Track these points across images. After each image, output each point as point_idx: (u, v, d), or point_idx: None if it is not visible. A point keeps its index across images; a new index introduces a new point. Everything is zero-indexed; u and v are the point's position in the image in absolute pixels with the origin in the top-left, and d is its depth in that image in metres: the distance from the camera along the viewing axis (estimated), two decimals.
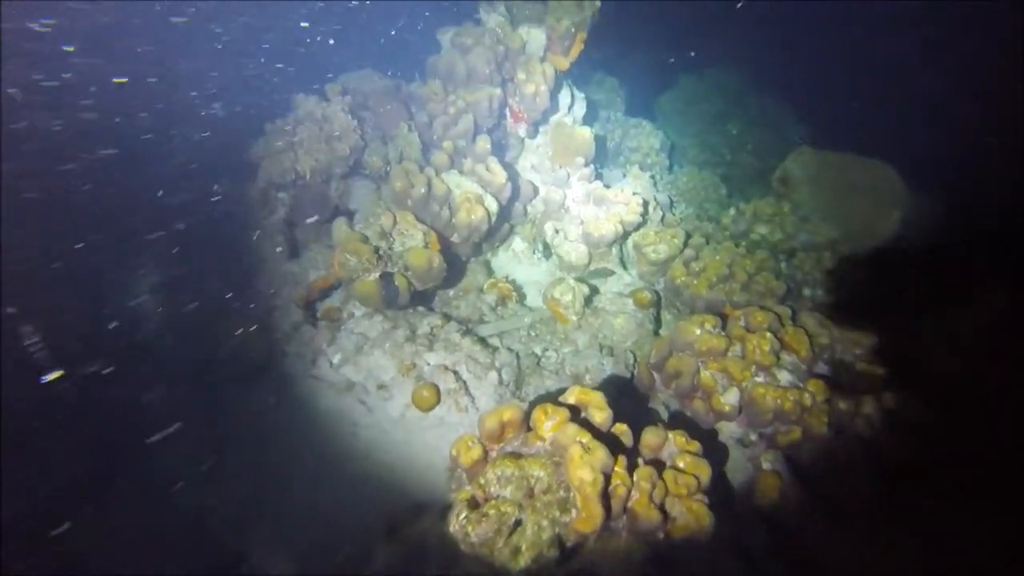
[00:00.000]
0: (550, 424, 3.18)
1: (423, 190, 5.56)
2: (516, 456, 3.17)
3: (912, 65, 8.93)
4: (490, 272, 6.69)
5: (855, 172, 7.46)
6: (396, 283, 5.08)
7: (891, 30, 9.56)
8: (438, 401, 4.90)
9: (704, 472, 3.34)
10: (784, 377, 4.40)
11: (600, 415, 3.37)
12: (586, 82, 9.57)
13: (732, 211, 7.43)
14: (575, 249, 6.66)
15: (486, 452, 3.32)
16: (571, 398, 3.48)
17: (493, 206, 5.94)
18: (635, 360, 5.48)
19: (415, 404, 4.86)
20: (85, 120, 5.36)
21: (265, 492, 4.73)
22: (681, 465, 3.39)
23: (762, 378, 4.34)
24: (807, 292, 6.70)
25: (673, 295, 6.37)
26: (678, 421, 4.66)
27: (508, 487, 3.02)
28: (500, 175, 6.07)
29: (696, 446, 3.50)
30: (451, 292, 6.25)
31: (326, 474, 4.70)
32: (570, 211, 7.11)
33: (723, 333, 4.58)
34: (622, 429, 3.46)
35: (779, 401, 4.16)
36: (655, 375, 4.85)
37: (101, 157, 5.44)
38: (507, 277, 6.59)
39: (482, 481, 3.10)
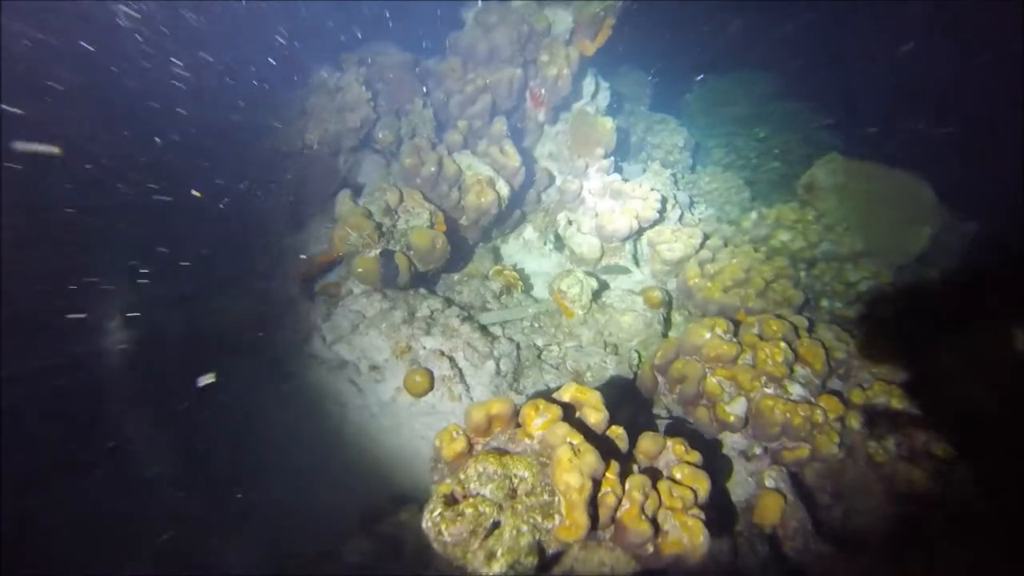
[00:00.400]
0: (540, 421, 2.93)
1: (433, 168, 5.32)
2: (501, 453, 2.92)
3: (957, 76, 8.56)
4: (498, 259, 6.44)
5: (886, 184, 7.13)
6: (396, 262, 4.84)
7: (931, 36, 9.18)
8: (431, 387, 4.67)
9: (703, 485, 3.08)
10: (796, 390, 4.12)
11: (595, 416, 3.11)
12: (612, 73, 9.27)
13: (753, 215, 7.12)
14: (587, 242, 6.40)
15: (471, 445, 3.07)
16: (566, 396, 3.22)
17: (505, 191, 5.69)
18: (640, 360, 5.21)
19: (407, 389, 4.64)
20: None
21: (243, 480, 4.49)
22: (679, 476, 3.12)
23: (772, 390, 4.06)
24: (825, 304, 6.41)
25: (685, 296, 6.09)
26: (680, 429, 4.40)
27: (489, 485, 2.77)
28: (515, 159, 5.81)
29: (696, 456, 3.23)
30: (455, 276, 6.01)
31: (308, 460, 4.48)
32: (585, 202, 6.84)
33: (734, 339, 4.30)
34: (617, 432, 3.20)
35: (788, 415, 3.89)
36: (659, 378, 4.58)
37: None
38: (515, 265, 6.34)
39: (462, 476, 2.85)
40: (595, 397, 3.19)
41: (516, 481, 2.79)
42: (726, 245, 6.44)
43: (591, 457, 2.74)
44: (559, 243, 6.67)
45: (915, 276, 6.62)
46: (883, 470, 3.90)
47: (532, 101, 6.58)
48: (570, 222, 6.83)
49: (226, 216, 5.56)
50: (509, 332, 5.59)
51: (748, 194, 8.90)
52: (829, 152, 7.97)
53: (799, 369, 4.29)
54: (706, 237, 6.43)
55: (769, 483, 3.98)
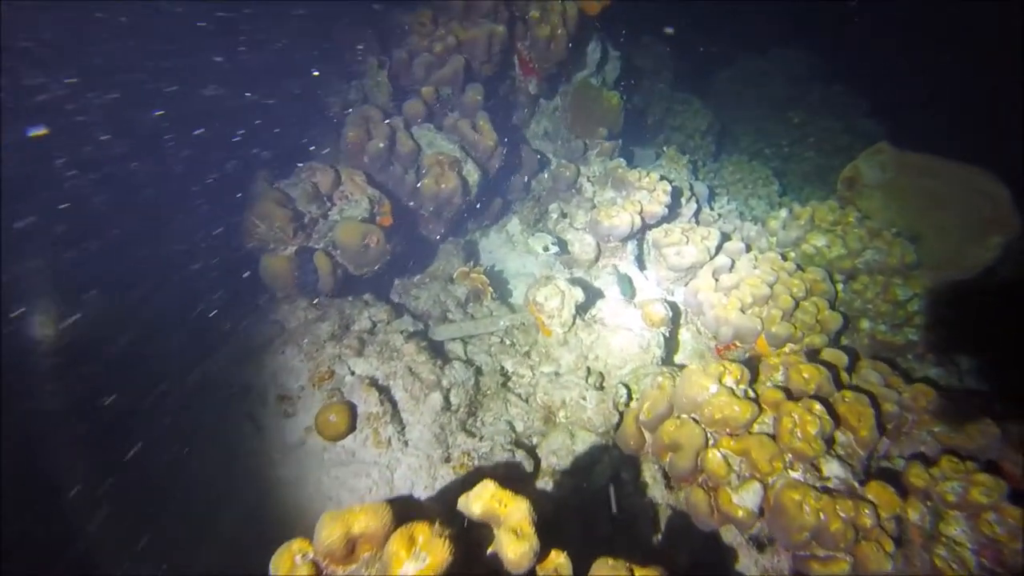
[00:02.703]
0: (413, 570, 1.70)
1: (382, 145, 4.07)
2: None
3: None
4: (471, 257, 5.18)
5: (946, 181, 5.67)
6: (316, 263, 3.62)
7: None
8: (350, 428, 3.46)
9: None
10: (833, 470, 2.81)
11: (516, 548, 1.87)
12: (631, 43, 7.82)
13: (783, 213, 5.72)
14: (579, 240, 5.12)
15: None
16: (476, 506, 1.98)
17: (474, 175, 4.42)
18: (628, 397, 3.92)
19: (317, 430, 3.44)
20: None
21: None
22: None
23: (800, 474, 2.76)
24: (866, 326, 5.08)
25: (694, 312, 4.79)
26: (671, 520, 3.13)
27: None
28: (489, 137, 4.53)
29: None
30: (415, 278, 4.77)
31: (166, 530, 3.26)
32: (582, 192, 5.54)
33: (749, 393, 3.00)
34: (557, 562, 1.96)
35: (823, 516, 2.59)
36: (646, 435, 3.32)
37: None
38: (492, 267, 5.08)
39: None
40: (520, 512, 1.94)
41: None
42: (748, 249, 5.10)
43: None
44: (547, 241, 5.33)
45: (979, 295, 5.19)
46: None
47: (522, 68, 5.26)
48: (564, 214, 5.54)
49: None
50: (473, 351, 4.36)
51: (777, 187, 7.55)
52: (873, 142, 6.52)
53: (838, 435, 2.99)
54: (724, 239, 5.08)
55: None
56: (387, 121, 4.24)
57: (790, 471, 2.74)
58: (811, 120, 8.97)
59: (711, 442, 2.89)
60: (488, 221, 5.42)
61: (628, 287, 5.13)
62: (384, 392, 3.62)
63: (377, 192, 4.01)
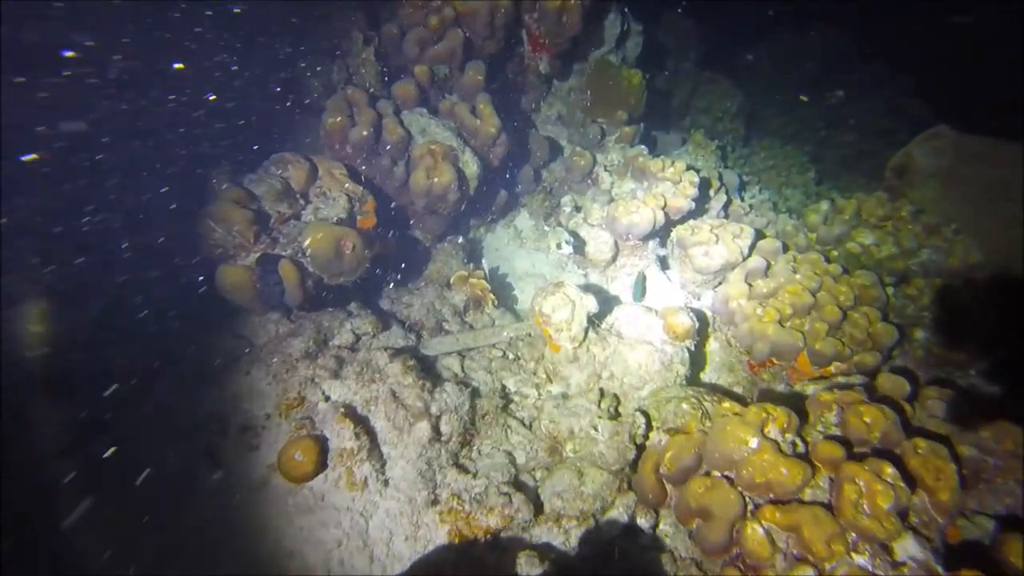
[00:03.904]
0: None
1: (366, 132, 3.44)
2: None
3: None
4: (473, 257, 4.56)
5: (1014, 169, 4.90)
6: (281, 273, 3.02)
7: None
8: (319, 467, 2.89)
9: None
10: (908, 552, 2.15)
11: None
12: (653, 20, 7.03)
13: (824, 206, 4.98)
14: (595, 238, 4.48)
15: None
16: None
17: (472, 167, 3.78)
18: (647, 427, 3.28)
19: (280, 470, 2.87)
20: None
21: None
22: None
23: (867, 559, 2.10)
24: (921, 337, 4.37)
25: (724, 321, 4.14)
26: None
27: None
28: (491, 122, 3.89)
29: None
30: (410, 284, 4.17)
31: None
32: (599, 183, 4.87)
33: (798, 445, 2.35)
34: None
35: None
36: (668, 489, 2.68)
37: None
38: (491, 268, 4.43)
39: None
40: None
41: None
42: (786, 249, 4.41)
43: None
44: (566, 239, 4.65)
45: None
46: None
47: (531, 44, 4.57)
48: (578, 208, 4.88)
49: None
50: (471, 366, 3.75)
51: (813, 174, 6.78)
52: (918, 124, 5.73)
53: (912, 498, 2.33)
54: (758, 236, 4.38)
55: None
56: (375, 105, 3.61)
57: (854, 554, 2.09)
58: (850, 101, 8.14)
59: (750, 509, 2.25)
60: (494, 216, 4.79)
61: (645, 293, 4.49)
62: (362, 422, 3.03)
63: (360, 187, 3.39)
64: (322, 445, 2.91)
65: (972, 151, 5.03)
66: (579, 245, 4.55)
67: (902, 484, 2.12)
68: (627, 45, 5.38)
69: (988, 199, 4.80)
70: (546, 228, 4.90)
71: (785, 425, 2.29)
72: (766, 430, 2.27)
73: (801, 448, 2.31)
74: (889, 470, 2.13)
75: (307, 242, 3.05)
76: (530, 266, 4.79)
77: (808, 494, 2.23)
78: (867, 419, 2.42)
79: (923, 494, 2.35)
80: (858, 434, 2.40)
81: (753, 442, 2.22)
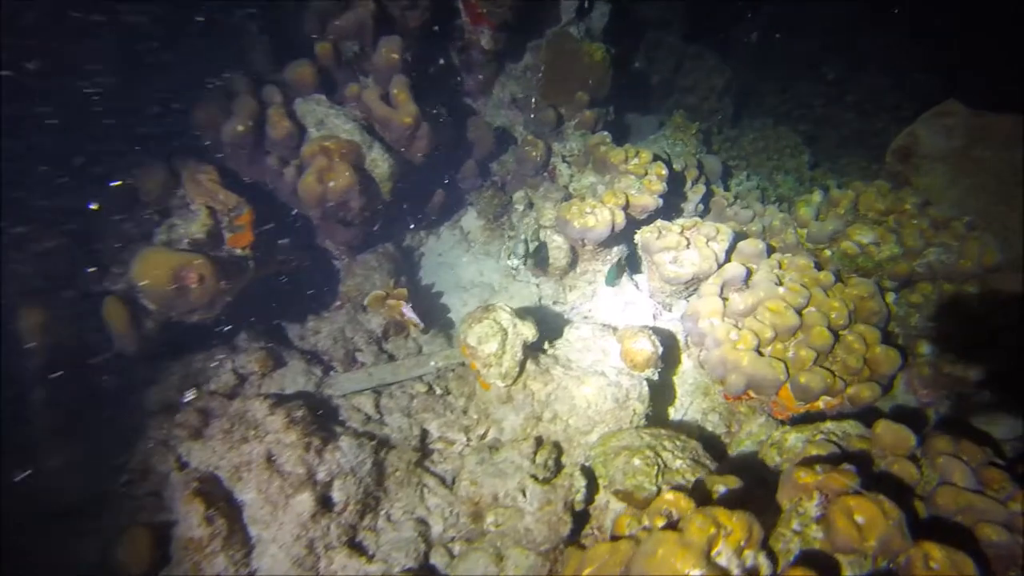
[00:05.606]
0: None
1: (241, 128, 2.71)
2: None
3: None
4: (407, 269, 3.83)
5: None
6: (105, 315, 2.32)
7: None
8: (155, 566, 2.21)
9: None
10: None
11: None
12: None
13: (816, 196, 4.21)
14: (549, 242, 3.75)
15: None
16: None
17: (383, 166, 3.05)
18: (586, 489, 2.56)
19: (107, 572, 2.19)
20: None
21: None
22: None
23: None
24: (926, 351, 3.64)
25: (696, 342, 3.42)
26: None
27: None
28: (405, 111, 3.14)
29: None
30: (323, 312, 3.45)
31: None
32: (558, 176, 4.14)
33: (762, 564, 1.63)
34: None
35: None
36: None
37: None
38: (426, 283, 3.71)
39: None
40: None
41: None
42: (771, 251, 3.67)
43: None
44: (527, 248, 3.88)
45: None
46: None
47: (468, 14, 3.80)
48: (531, 205, 4.15)
49: None
50: (388, 406, 3.05)
51: (808, 157, 5.99)
52: (927, 101, 4.93)
53: None
54: (737, 237, 3.62)
55: None
56: (260, 93, 2.88)
57: None
58: (849, 76, 7.30)
59: None
60: (435, 218, 4.06)
61: (620, 277, 3.74)
62: (223, 499, 2.35)
63: (234, 197, 2.68)
64: (162, 534, 2.23)
65: (987, 130, 4.23)
66: (543, 254, 3.82)
67: None
68: (592, 16, 4.59)
69: (1007, 187, 4.03)
70: (495, 229, 4.17)
71: (743, 541, 1.58)
72: (714, 551, 1.56)
73: (767, 571, 1.60)
74: None
75: (137, 273, 2.35)
76: (477, 274, 4.07)
77: None
78: (859, 518, 1.71)
79: None
80: (847, 542, 1.69)
81: (694, 574, 1.52)
